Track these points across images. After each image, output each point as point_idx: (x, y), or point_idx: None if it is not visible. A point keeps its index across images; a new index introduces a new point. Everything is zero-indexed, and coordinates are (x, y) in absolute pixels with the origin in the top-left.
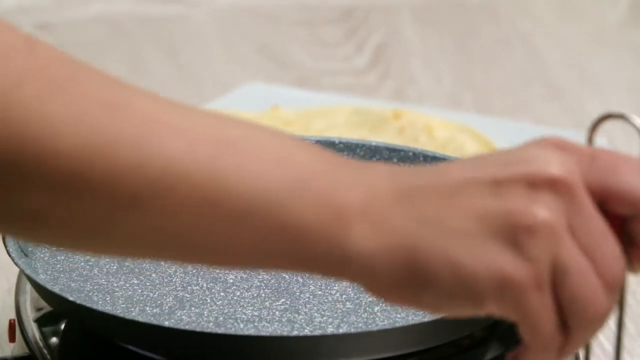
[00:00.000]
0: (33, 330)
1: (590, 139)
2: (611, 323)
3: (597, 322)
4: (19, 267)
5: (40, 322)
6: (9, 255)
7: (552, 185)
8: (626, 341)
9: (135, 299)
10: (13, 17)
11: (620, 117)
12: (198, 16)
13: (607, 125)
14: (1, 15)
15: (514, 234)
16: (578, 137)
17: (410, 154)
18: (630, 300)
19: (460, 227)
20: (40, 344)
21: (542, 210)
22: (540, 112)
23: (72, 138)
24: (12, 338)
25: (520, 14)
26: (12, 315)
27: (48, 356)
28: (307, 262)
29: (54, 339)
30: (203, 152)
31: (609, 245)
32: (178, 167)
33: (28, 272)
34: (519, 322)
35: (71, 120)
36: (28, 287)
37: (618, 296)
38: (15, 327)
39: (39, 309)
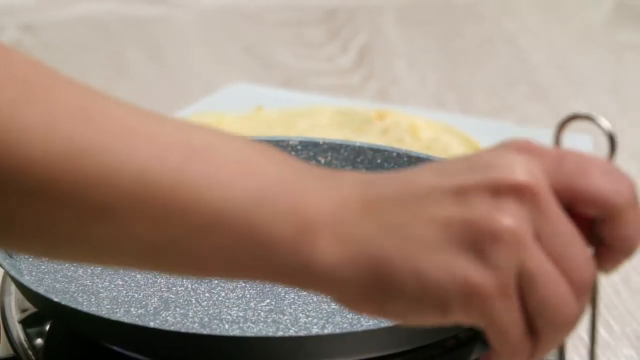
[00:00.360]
0: (18, 331)
1: (557, 140)
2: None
3: (567, 327)
4: (3, 268)
5: (25, 323)
6: None
7: (517, 192)
8: (611, 341)
9: (120, 300)
10: None
11: (587, 118)
12: (183, 17)
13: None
14: None
15: (479, 242)
16: (562, 136)
17: (394, 154)
18: (616, 301)
19: (425, 236)
20: (25, 345)
21: (506, 217)
22: (525, 113)
23: (44, 145)
24: None
25: (505, 14)
26: None
27: (33, 357)
28: (275, 273)
29: (39, 340)
30: (172, 159)
31: (577, 249)
32: (148, 175)
33: (12, 273)
34: (486, 329)
35: (44, 127)
36: (13, 288)
37: (589, 299)
38: (0, 328)
39: (23, 310)
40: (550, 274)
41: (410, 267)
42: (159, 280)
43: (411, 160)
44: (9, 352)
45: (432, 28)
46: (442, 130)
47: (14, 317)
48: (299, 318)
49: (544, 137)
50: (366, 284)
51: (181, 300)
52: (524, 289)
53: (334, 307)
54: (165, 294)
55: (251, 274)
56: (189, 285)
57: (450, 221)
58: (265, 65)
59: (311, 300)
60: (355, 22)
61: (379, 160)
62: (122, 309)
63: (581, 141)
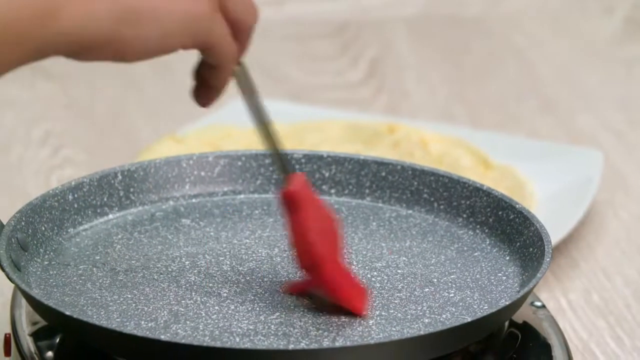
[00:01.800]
0: (28, 344)
1: None
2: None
3: (255, 22)
4: (13, 281)
5: (36, 336)
6: (3, 270)
7: None
8: (622, 354)
9: (129, 313)
10: None
11: None
12: None
13: (602, 138)
14: None
15: None
16: (571, 151)
17: (399, 167)
18: (626, 314)
19: None
20: (36, 357)
21: None
22: (533, 126)
23: None
24: (7, 352)
25: (514, 28)
26: (8, 329)
27: None
28: (43, 49)
29: (50, 353)
30: None
31: None
32: None
33: (23, 286)
34: (208, 45)
35: None
36: (23, 301)
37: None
38: (11, 341)
39: (34, 323)
40: None
41: (148, 9)
42: (167, 294)
43: (415, 173)
44: None
45: (442, 42)
46: (452, 143)
47: (25, 330)
48: (309, 331)
49: (553, 150)
50: (115, 31)
51: (191, 314)
52: (224, 3)
53: (344, 319)
54: (175, 307)
55: (37, 52)
56: (198, 299)
57: None
58: (275, 79)
59: (320, 313)
60: (365, 36)
61: (383, 173)
62: (132, 322)
63: (592, 157)
